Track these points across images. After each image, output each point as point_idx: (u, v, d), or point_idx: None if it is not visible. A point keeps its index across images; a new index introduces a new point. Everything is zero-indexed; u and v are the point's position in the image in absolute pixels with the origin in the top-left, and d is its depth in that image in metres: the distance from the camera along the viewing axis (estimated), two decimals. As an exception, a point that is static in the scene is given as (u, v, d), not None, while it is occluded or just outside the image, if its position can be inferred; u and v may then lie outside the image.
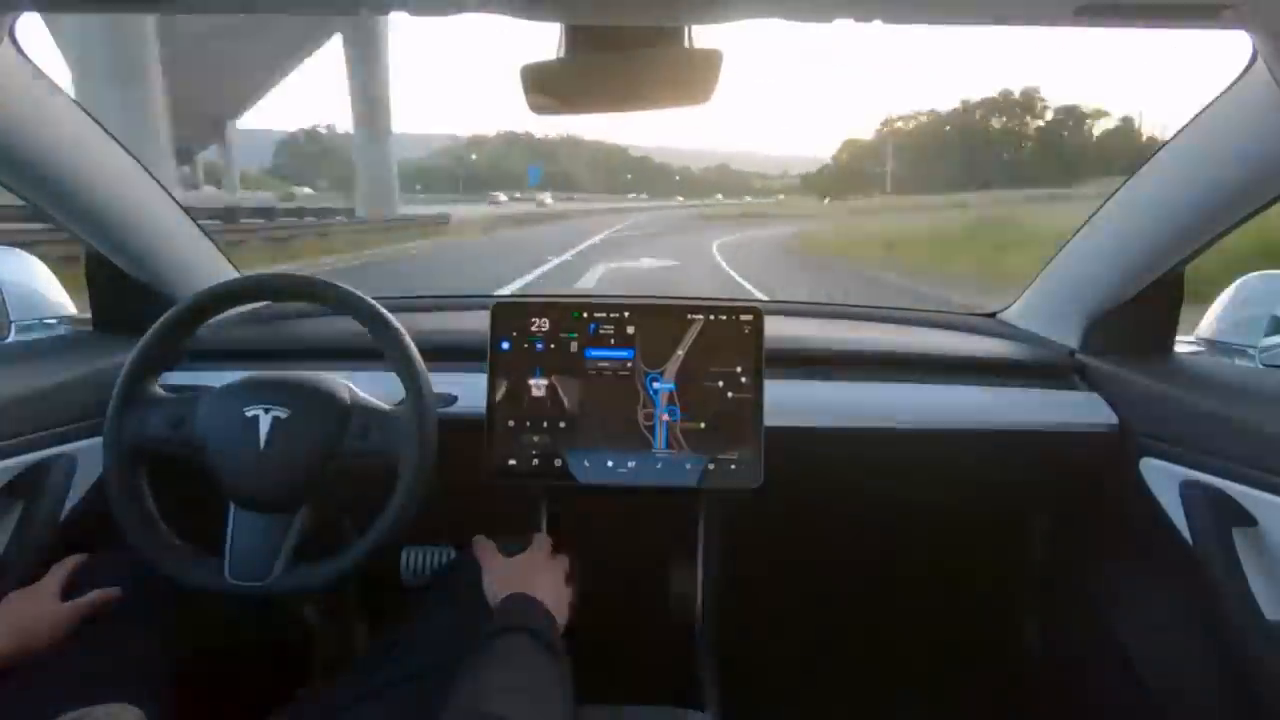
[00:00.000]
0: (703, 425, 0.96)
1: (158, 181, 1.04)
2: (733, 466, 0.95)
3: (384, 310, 0.80)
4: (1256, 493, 0.81)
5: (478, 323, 1.00)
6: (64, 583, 0.74)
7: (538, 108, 0.72)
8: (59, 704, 0.65)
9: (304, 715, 0.73)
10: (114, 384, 0.78)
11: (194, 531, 0.80)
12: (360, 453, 0.78)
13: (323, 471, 0.78)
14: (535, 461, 0.96)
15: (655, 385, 0.97)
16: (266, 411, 0.77)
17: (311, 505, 0.79)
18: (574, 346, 0.97)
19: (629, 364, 0.97)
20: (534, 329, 0.97)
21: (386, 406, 0.81)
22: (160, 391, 0.82)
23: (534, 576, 0.75)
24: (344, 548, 0.78)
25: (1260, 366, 1.04)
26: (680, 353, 0.97)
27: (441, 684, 0.62)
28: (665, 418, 0.96)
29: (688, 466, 0.95)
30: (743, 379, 0.96)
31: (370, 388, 0.89)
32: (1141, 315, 1.05)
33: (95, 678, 0.68)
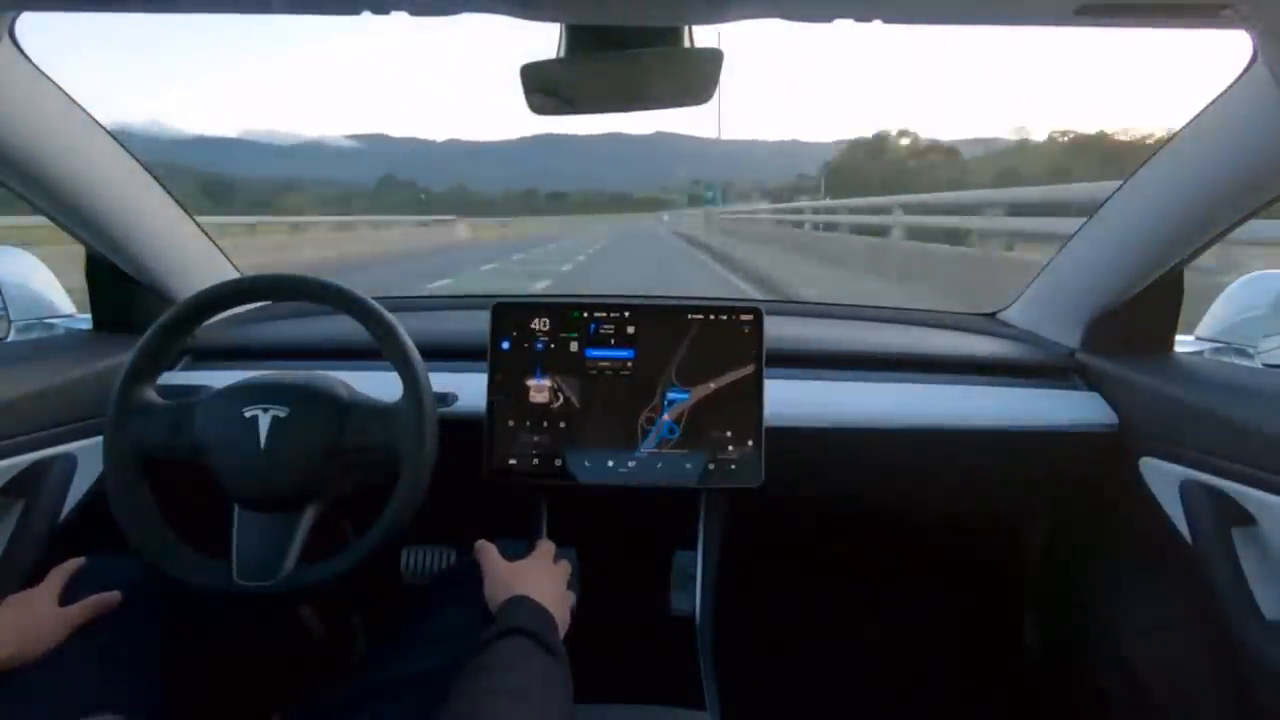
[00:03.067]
0: (703, 425, 0.96)
1: (158, 181, 1.04)
2: (733, 466, 0.95)
3: (382, 309, 0.80)
4: (1256, 492, 0.81)
5: (478, 323, 1.00)
6: (63, 586, 0.74)
7: (538, 108, 0.72)
8: (59, 708, 0.65)
9: (303, 716, 0.73)
10: (114, 384, 0.78)
11: (200, 533, 0.80)
12: (361, 447, 0.78)
13: (324, 468, 0.78)
14: (535, 461, 0.96)
15: (655, 385, 0.97)
16: (265, 411, 0.77)
17: (316, 503, 0.79)
18: (574, 346, 0.97)
19: (629, 364, 0.97)
20: (534, 329, 0.97)
21: (385, 401, 0.81)
22: (157, 398, 0.81)
23: (535, 580, 0.75)
24: (350, 544, 0.78)
25: (1260, 366, 1.04)
26: (680, 353, 0.97)
27: (440, 686, 0.62)
28: (666, 417, 0.96)
29: (688, 466, 0.95)
30: (743, 379, 0.96)
31: (370, 387, 0.89)
32: (1141, 315, 1.05)
33: (94, 681, 0.68)
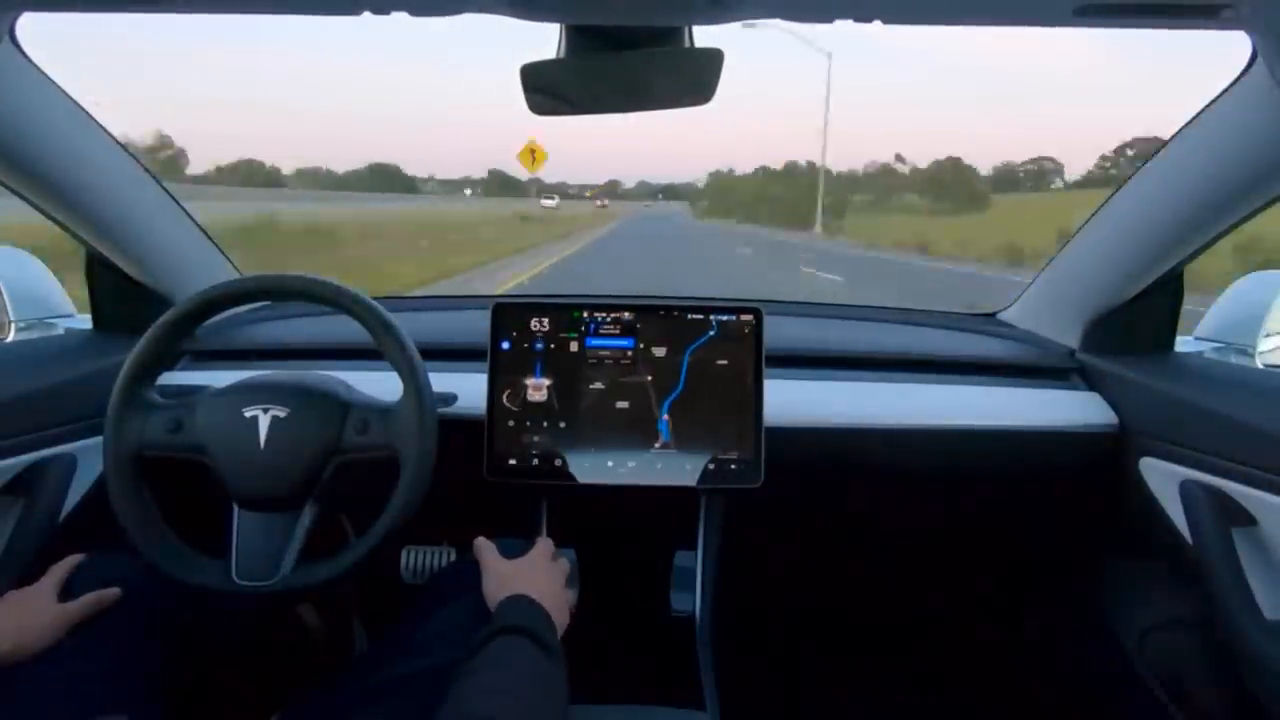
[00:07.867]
0: (703, 425, 0.96)
1: (158, 182, 1.04)
2: (733, 466, 0.95)
3: (383, 310, 0.80)
4: (1256, 492, 0.81)
5: (478, 323, 1.00)
6: (62, 583, 0.74)
7: (538, 108, 0.72)
8: (57, 705, 0.65)
9: (303, 716, 0.73)
10: (114, 384, 0.78)
11: (197, 533, 0.80)
12: (360, 447, 0.79)
13: (325, 468, 0.78)
14: (535, 461, 0.96)
15: (655, 386, 0.97)
16: (265, 411, 0.77)
17: (316, 503, 0.79)
18: (574, 346, 0.97)
19: (629, 365, 0.97)
20: (534, 329, 0.98)
21: (385, 400, 0.81)
22: (158, 397, 0.82)
23: (534, 578, 0.75)
24: (351, 543, 0.78)
25: (1260, 366, 1.04)
26: (681, 353, 0.97)
27: (440, 685, 0.62)
28: (665, 418, 0.96)
29: (688, 466, 0.95)
30: (743, 379, 0.96)
31: (370, 387, 0.89)
32: (1141, 315, 1.05)
33: (93, 678, 0.68)
